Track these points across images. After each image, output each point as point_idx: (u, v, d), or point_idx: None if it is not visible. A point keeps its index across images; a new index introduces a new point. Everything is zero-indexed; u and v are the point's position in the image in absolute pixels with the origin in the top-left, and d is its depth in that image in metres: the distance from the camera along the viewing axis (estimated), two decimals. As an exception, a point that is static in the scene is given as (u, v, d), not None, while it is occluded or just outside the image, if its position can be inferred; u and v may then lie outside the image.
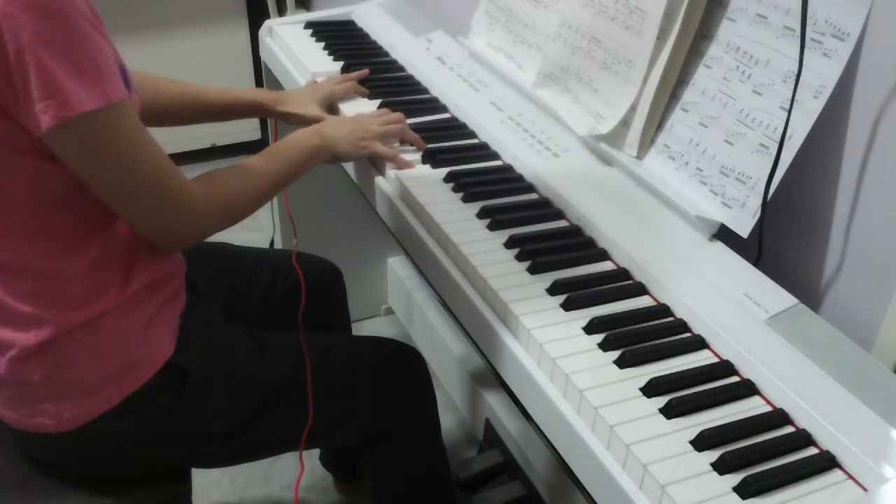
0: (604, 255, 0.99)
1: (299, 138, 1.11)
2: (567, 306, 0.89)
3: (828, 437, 0.74)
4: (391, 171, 1.15)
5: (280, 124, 1.47)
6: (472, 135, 1.26)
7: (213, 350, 1.04)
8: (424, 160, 1.18)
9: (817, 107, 0.89)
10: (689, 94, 1.05)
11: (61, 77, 0.78)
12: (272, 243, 1.78)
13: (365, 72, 1.41)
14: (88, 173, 0.86)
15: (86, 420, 0.95)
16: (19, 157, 0.84)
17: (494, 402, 1.63)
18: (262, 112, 1.33)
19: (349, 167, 1.28)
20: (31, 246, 0.89)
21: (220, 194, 0.98)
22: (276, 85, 1.60)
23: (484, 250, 0.98)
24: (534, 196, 1.11)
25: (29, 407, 0.94)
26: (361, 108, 1.33)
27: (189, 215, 0.94)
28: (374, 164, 1.19)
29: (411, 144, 1.21)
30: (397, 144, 1.20)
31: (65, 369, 0.92)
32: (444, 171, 1.15)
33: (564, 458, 0.81)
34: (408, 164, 1.15)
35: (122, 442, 0.98)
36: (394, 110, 1.26)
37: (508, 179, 1.15)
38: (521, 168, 1.16)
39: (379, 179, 1.16)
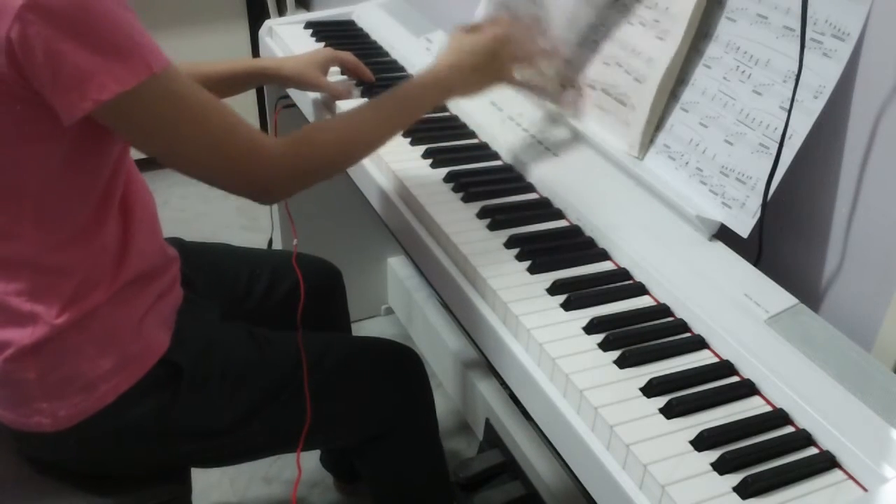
0: (604, 255, 0.99)
1: (435, 76, 1.04)
2: (567, 306, 0.89)
3: (828, 437, 0.74)
4: (392, 167, 1.15)
5: (280, 122, 1.47)
6: (472, 135, 1.26)
7: (209, 346, 1.04)
8: (424, 157, 1.18)
9: (817, 107, 0.89)
10: (689, 94, 1.05)
11: (91, 62, 0.76)
12: (270, 243, 1.78)
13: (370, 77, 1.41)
14: (157, 144, 0.86)
15: (82, 418, 0.95)
16: (36, 145, 0.84)
17: (494, 402, 1.63)
18: (265, 78, 1.34)
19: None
20: (36, 238, 0.89)
21: (307, 139, 0.94)
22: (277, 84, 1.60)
23: (484, 250, 0.98)
24: (534, 196, 1.11)
25: (25, 406, 0.94)
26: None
27: (263, 163, 0.90)
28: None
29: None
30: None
31: (59, 367, 0.92)
32: (444, 171, 1.15)
33: (564, 457, 0.81)
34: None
35: (120, 439, 0.98)
36: None
37: (508, 179, 1.15)
38: (520, 168, 1.16)
39: (376, 175, 1.16)
